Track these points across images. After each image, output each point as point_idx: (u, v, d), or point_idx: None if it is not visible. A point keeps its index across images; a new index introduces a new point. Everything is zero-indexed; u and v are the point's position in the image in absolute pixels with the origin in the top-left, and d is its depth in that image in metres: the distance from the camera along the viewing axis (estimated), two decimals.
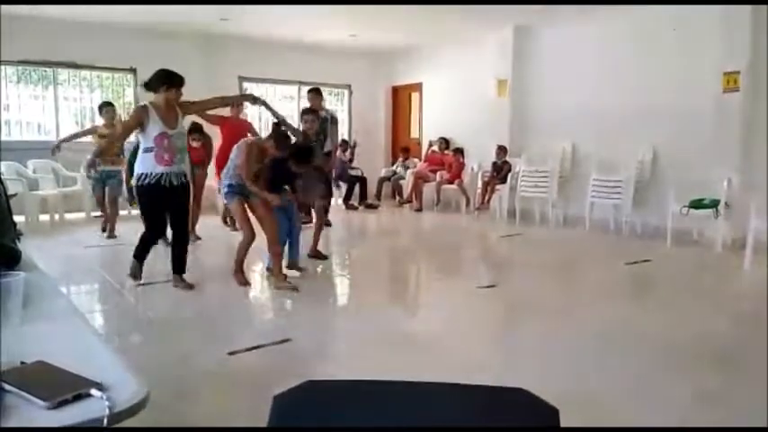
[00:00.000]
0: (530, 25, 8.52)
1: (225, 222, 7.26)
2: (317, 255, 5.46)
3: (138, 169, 4.10)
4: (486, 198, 8.46)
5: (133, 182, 4.20)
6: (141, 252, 4.37)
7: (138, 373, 1.09)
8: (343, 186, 9.59)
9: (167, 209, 4.20)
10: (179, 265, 4.36)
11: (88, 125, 7.97)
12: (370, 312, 4.08)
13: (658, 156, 7.13)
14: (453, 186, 9.02)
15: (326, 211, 5.81)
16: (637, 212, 6.96)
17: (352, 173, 9.80)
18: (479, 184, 8.69)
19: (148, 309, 4.05)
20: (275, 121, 5.06)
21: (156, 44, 8.56)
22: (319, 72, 9.94)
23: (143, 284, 4.44)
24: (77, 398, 0.96)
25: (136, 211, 6.83)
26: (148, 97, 4.19)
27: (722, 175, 5.94)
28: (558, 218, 7.79)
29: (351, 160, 9.89)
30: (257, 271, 5.01)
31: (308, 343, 3.41)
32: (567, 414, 0.88)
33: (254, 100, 4.80)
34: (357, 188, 9.77)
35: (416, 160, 10.32)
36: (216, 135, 6.76)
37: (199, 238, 6.34)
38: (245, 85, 9.73)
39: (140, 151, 4.10)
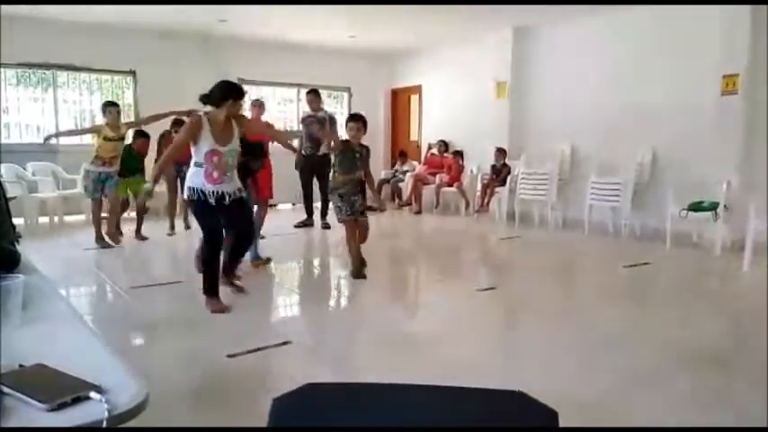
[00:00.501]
0: (529, 27, 8.53)
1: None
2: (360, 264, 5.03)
3: (188, 182, 3.81)
4: (486, 200, 8.46)
5: (185, 194, 3.91)
6: (209, 267, 3.88)
7: (138, 375, 1.09)
8: None
9: (223, 220, 3.89)
10: (231, 265, 4.21)
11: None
12: (369, 315, 4.09)
13: (657, 158, 7.13)
14: (453, 189, 9.01)
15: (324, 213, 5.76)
16: (636, 215, 6.96)
17: None
18: (479, 186, 8.68)
19: (147, 311, 4.04)
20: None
21: (156, 47, 8.60)
22: (319, 75, 9.95)
23: (143, 286, 4.42)
24: (76, 400, 0.96)
25: (134, 213, 6.89)
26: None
27: (721, 178, 5.93)
28: (558, 220, 7.79)
29: None
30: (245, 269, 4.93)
31: (308, 345, 3.41)
32: (566, 415, 0.88)
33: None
34: None
35: (415, 163, 10.33)
36: None
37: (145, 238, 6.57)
38: (244, 87, 9.69)
39: (192, 163, 3.81)
